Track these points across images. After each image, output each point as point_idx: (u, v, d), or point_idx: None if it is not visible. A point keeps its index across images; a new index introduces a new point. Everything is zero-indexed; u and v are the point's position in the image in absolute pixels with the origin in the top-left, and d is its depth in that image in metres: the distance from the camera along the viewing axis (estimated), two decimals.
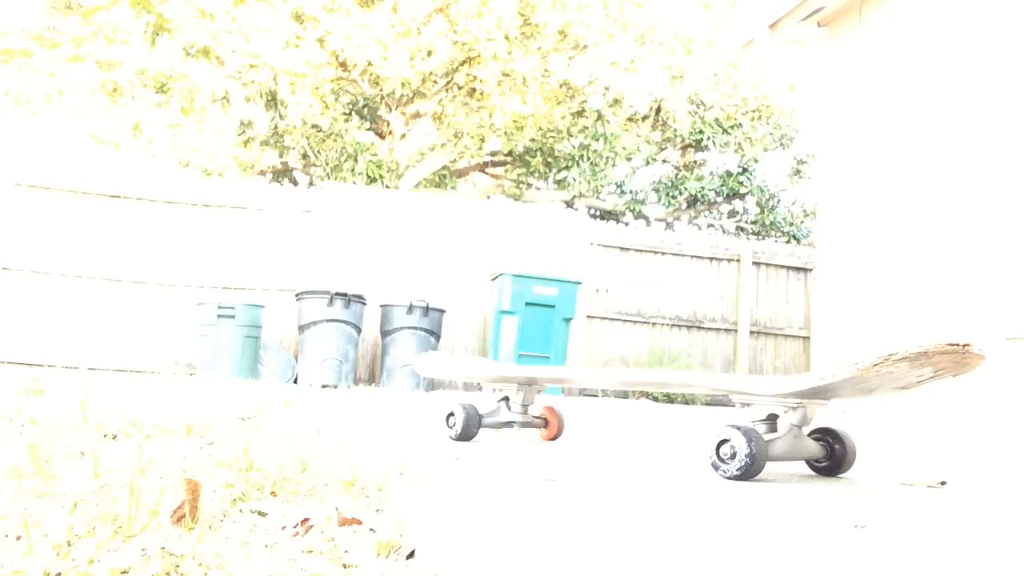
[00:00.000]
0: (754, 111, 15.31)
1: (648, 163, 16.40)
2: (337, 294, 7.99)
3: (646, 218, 16.38)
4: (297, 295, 8.17)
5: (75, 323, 8.41)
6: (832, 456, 2.16)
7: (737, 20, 13.77)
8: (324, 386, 7.76)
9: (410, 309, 8.24)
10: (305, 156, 14.92)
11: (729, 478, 1.93)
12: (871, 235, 5.98)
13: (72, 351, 8.17)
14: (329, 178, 13.65)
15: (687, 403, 9.13)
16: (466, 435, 2.67)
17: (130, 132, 12.90)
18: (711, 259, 10.38)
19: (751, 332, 10.35)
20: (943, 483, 2.08)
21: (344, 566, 0.96)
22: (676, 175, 15.98)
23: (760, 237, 15.39)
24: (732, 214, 16.45)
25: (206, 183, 10.07)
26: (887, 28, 6.02)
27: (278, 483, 1.43)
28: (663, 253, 10.21)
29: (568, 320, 8.36)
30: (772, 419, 2.07)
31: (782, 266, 10.61)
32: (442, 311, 8.48)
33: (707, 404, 9.17)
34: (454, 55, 13.63)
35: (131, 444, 1.94)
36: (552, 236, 9.78)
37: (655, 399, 8.98)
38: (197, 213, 8.96)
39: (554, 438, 2.90)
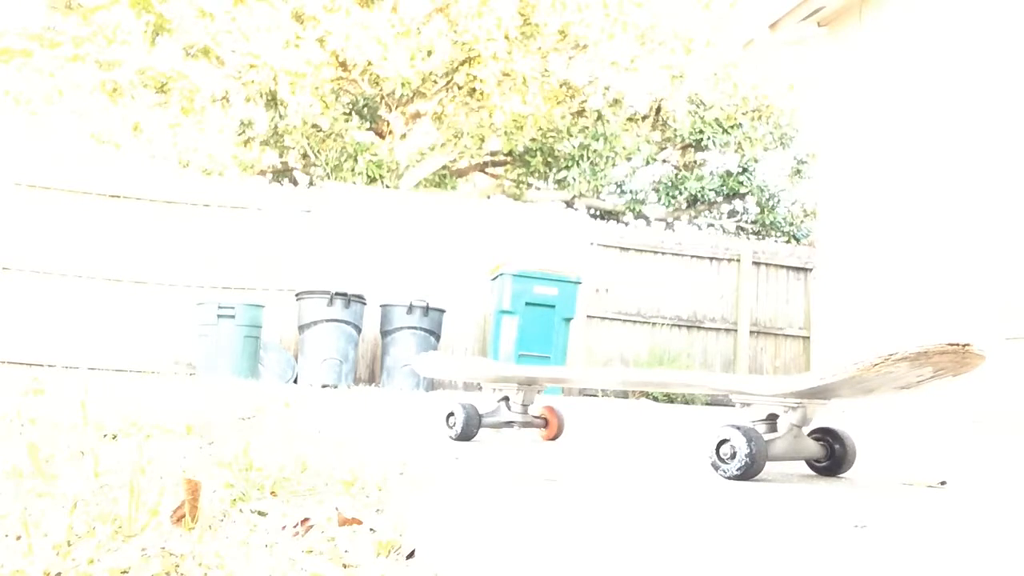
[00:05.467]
0: (754, 111, 15.30)
1: (648, 163, 16.39)
2: (337, 294, 7.99)
3: (646, 218, 16.37)
4: (297, 295, 8.17)
5: (75, 323, 8.41)
6: (832, 456, 2.16)
7: (737, 20, 13.76)
8: (324, 386, 7.76)
9: (410, 309, 8.24)
10: (305, 156, 14.92)
11: (729, 478, 1.93)
12: (871, 235, 5.98)
13: (72, 351, 8.17)
14: (329, 178, 13.65)
15: (687, 403, 9.13)
16: (466, 435, 2.67)
17: (130, 132, 12.90)
18: (711, 259, 10.38)
19: (751, 332, 10.35)
20: (943, 483, 2.08)
21: (344, 566, 0.96)
22: (676, 175, 15.98)
23: (760, 237, 15.39)
24: (732, 214, 16.45)
25: (206, 183, 10.07)
26: (887, 28, 6.02)
27: (278, 483, 1.43)
28: (663, 253, 10.21)
29: (568, 320, 8.36)
30: (772, 419, 2.07)
31: (782, 266, 10.61)
32: (442, 311, 8.48)
33: (707, 404, 9.17)
34: (454, 55, 13.63)
35: (131, 444, 1.94)
36: (552, 236, 9.78)
37: (655, 399, 8.98)
38: (197, 213, 8.96)
39: (554, 438, 2.90)
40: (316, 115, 13.75)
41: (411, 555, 1.01)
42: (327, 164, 13.92)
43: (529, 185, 16.65)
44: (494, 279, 8.43)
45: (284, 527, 1.10)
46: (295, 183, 15.59)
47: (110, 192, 8.75)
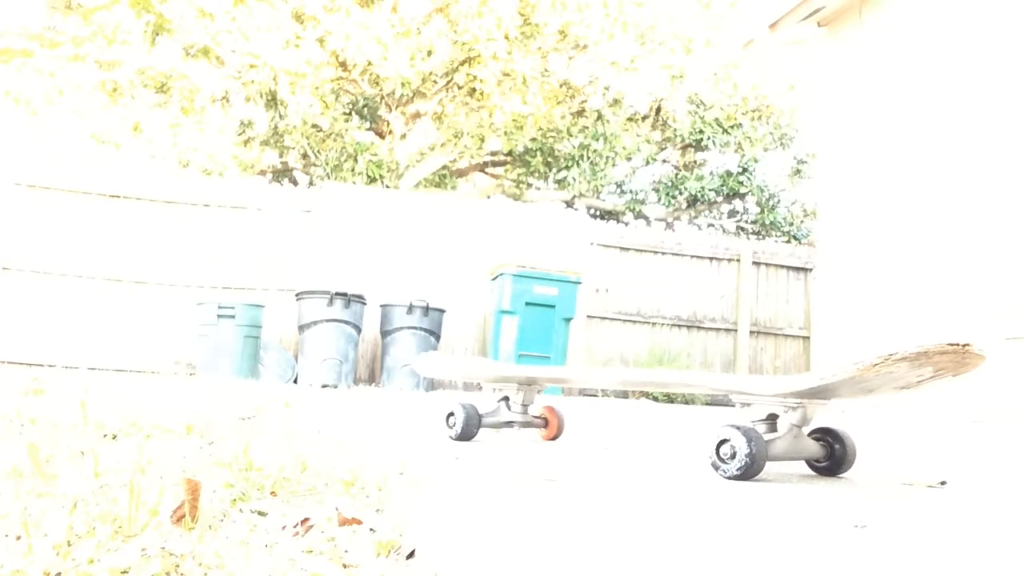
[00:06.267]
0: (754, 111, 15.30)
1: (648, 163, 16.40)
2: (337, 294, 7.99)
3: (646, 218, 16.38)
4: (297, 295, 8.17)
5: (75, 323, 8.40)
6: (832, 456, 2.16)
7: (737, 20, 13.76)
8: (324, 386, 7.76)
9: (410, 309, 8.24)
10: (305, 156, 14.92)
11: (729, 478, 1.93)
12: (871, 235, 5.98)
13: (72, 351, 8.17)
14: (329, 178, 13.65)
15: (687, 403, 9.13)
16: (466, 435, 2.67)
17: (130, 132, 12.91)
18: (711, 259, 10.38)
19: (751, 332, 10.35)
20: (943, 483, 2.08)
21: (344, 566, 0.96)
22: (676, 175, 15.98)
23: (760, 237, 15.39)
24: (732, 214, 16.45)
25: (206, 183, 10.07)
26: (887, 28, 6.02)
27: (278, 483, 1.43)
28: (663, 253, 10.21)
29: (568, 320, 8.36)
30: (772, 419, 2.07)
31: (782, 266, 10.61)
32: (442, 311, 8.48)
33: (707, 404, 9.17)
34: (454, 55, 13.63)
35: (131, 444, 1.94)
36: (552, 236, 9.78)
37: (655, 399, 8.98)
38: (197, 213, 8.96)
39: (554, 438, 2.90)
40: (316, 115, 13.76)
41: (411, 555, 1.01)
42: (327, 164, 13.92)
43: (529, 185, 16.65)
44: (494, 279, 8.43)
45: (284, 527, 1.10)
46: (295, 183, 15.59)
47: (110, 192, 8.75)
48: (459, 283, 9.34)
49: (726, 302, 10.37)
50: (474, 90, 14.37)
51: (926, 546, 1.26)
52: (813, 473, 2.20)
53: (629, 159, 15.81)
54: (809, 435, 2.13)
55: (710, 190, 15.36)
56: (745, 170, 15.47)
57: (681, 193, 15.49)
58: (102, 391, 3.81)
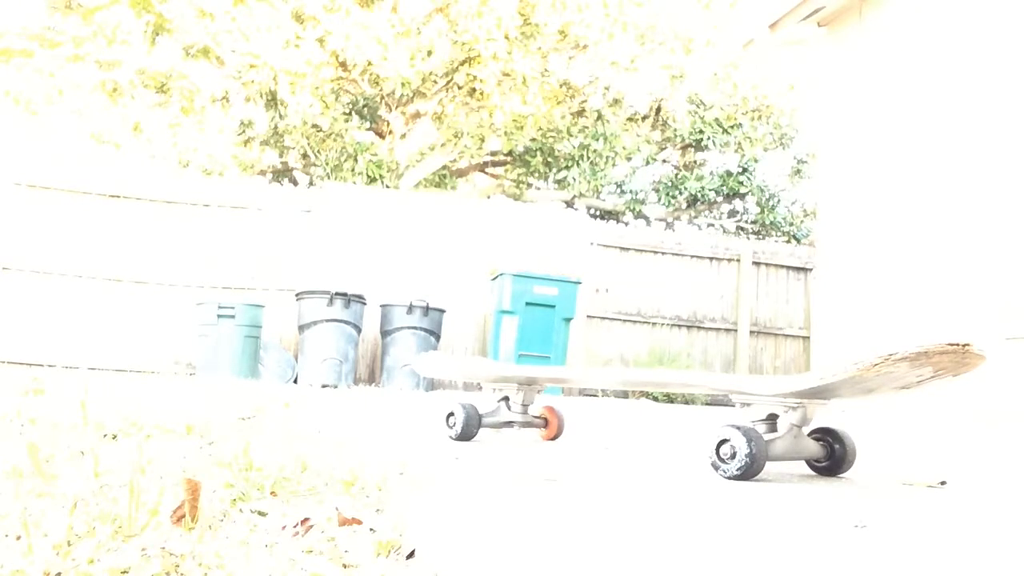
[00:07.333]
0: (754, 111, 15.30)
1: (648, 163, 16.39)
2: (337, 294, 7.99)
3: (646, 218, 16.37)
4: (297, 295, 8.17)
5: (75, 323, 8.40)
6: (832, 456, 2.16)
7: (737, 20, 13.76)
8: (324, 386, 7.76)
9: (410, 309, 8.24)
10: (305, 156, 14.92)
11: (729, 478, 1.93)
12: (871, 235, 5.97)
13: (72, 351, 8.17)
14: (329, 178, 13.65)
15: (687, 403, 9.13)
16: (466, 435, 2.67)
17: (130, 132, 12.91)
18: (711, 259, 10.38)
19: (751, 332, 10.35)
20: (943, 483, 2.08)
21: (344, 566, 0.96)
22: (676, 175, 15.98)
23: (760, 237, 15.39)
24: (732, 214, 16.45)
25: (206, 183, 10.07)
26: (887, 28, 6.02)
27: (278, 483, 1.43)
28: (663, 253, 10.21)
29: (568, 320, 8.36)
30: (772, 419, 2.07)
31: (782, 266, 10.61)
32: (442, 311, 8.48)
33: (707, 404, 9.17)
34: (454, 55, 13.63)
35: (131, 444, 1.94)
36: (552, 236, 9.78)
37: (655, 399, 8.98)
38: (197, 213, 8.96)
39: (554, 438, 2.90)
40: (316, 115, 13.76)
41: (411, 555, 1.01)
42: (327, 164, 13.92)
43: (529, 185, 16.65)
44: (494, 279, 8.43)
45: (284, 527, 1.10)
46: (295, 183, 15.59)
47: (110, 192, 8.75)
48: (459, 283, 9.34)
49: (726, 302, 10.37)
50: (474, 90, 14.37)
51: (926, 546, 1.26)
52: (813, 473, 2.20)
53: (629, 159, 15.81)
54: (809, 435, 2.13)
55: (710, 190, 15.35)
56: (745, 170, 15.47)
57: (681, 193, 15.49)
58: (102, 391, 3.81)
